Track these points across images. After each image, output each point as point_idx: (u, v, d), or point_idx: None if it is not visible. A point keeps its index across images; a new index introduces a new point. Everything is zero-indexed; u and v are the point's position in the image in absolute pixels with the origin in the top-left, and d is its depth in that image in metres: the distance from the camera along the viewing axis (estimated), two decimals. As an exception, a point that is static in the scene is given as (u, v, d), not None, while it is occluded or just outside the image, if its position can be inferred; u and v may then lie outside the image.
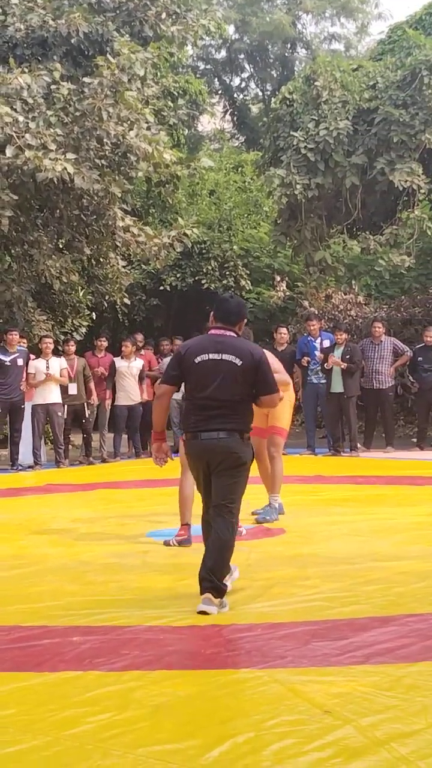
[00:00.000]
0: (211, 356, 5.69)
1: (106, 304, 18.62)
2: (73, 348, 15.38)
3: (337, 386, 14.82)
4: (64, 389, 14.89)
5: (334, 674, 4.30)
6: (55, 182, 14.08)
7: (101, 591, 6.10)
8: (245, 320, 6.08)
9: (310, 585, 6.10)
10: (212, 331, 5.87)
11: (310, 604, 5.58)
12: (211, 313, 5.98)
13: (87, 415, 15.26)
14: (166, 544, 7.57)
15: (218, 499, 5.66)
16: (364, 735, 3.58)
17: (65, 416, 14.95)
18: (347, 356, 14.71)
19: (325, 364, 14.84)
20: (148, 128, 15.68)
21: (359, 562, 6.79)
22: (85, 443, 15.46)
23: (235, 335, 5.84)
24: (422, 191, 16.75)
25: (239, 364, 5.65)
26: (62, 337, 16.82)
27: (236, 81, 38.35)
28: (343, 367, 14.65)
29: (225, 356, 5.67)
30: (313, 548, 7.44)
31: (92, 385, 15.30)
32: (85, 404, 15.22)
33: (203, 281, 21.10)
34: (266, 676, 4.28)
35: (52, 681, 4.33)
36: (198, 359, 5.71)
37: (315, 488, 10.97)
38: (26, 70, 14.66)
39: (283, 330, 15.75)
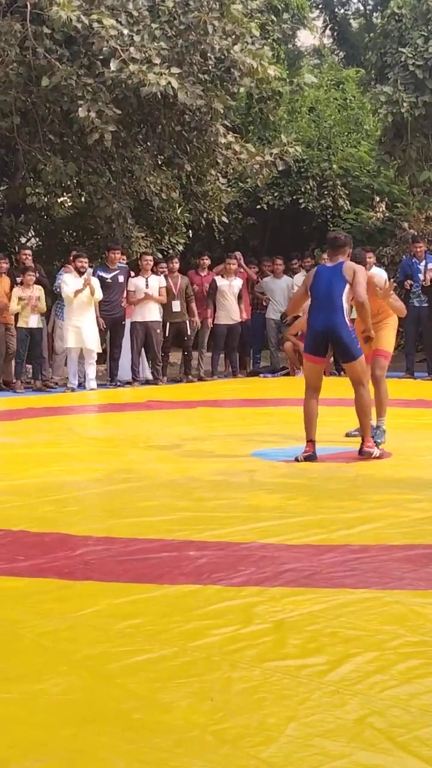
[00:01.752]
0: None
1: (203, 222, 18.53)
2: (176, 265, 15.35)
3: (440, 309, 14.63)
4: (167, 306, 14.92)
5: (454, 597, 4.29)
6: (159, 97, 13.96)
7: (212, 507, 6.15)
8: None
9: (421, 508, 6.06)
10: None
11: (424, 527, 5.55)
12: None
13: (189, 333, 15.28)
14: (296, 460, 7.71)
15: None
16: None
17: (167, 334, 15.00)
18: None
19: (424, 282, 14.62)
20: (253, 43, 15.44)
21: (470, 486, 6.73)
22: (185, 361, 15.51)
23: None
24: None
25: None
26: (159, 255, 16.79)
27: (338, -6, 37.46)
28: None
29: None
30: (422, 472, 7.39)
31: (194, 305, 15.30)
32: (188, 322, 15.24)
33: (301, 200, 20.86)
34: (386, 597, 4.28)
35: (174, 593, 4.39)
36: None
37: (418, 412, 10.89)
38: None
39: (370, 254, 15.49)
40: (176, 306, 15.03)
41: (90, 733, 2.99)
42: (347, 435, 8.89)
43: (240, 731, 2.99)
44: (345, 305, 7.69)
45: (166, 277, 15.09)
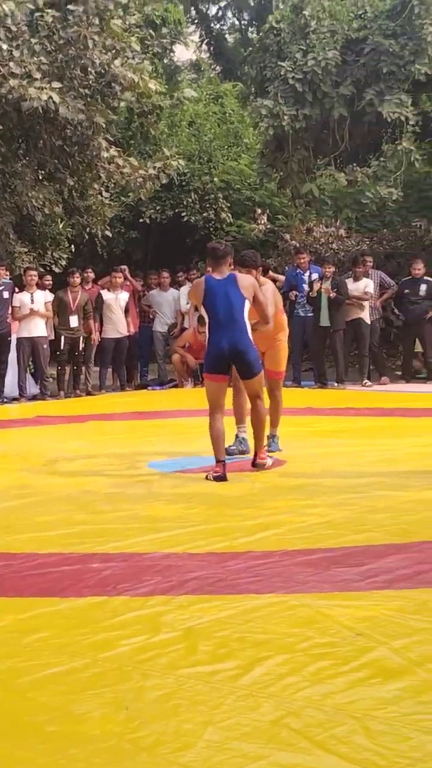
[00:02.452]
0: None
1: (86, 237, 18.45)
2: (77, 280, 15.22)
3: (325, 320, 14.83)
4: (64, 320, 14.81)
5: (358, 599, 4.34)
6: (40, 111, 13.87)
7: (111, 519, 6.12)
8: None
9: (318, 513, 6.12)
10: None
11: (323, 532, 5.61)
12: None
13: (81, 348, 15.18)
14: (206, 479, 7.46)
15: None
16: (399, 656, 3.61)
17: (62, 347, 14.88)
18: (335, 289, 14.71)
19: (310, 292, 14.83)
20: (133, 57, 15.47)
21: (365, 491, 6.81)
22: (75, 375, 15.38)
23: None
24: (410, 123, 16.62)
25: None
26: (41, 270, 16.66)
27: (213, 10, 37.79)
28: (331, 295, 14.64)
29: None
30: (316, 478, 7.47)
31: (92, 321, 15.21)
32: (81, 338, 15.13)
33: (183, 214, 21.00)
34: (292, 600, 4.32)
35: (80, 606, 4.35)
36: None
37: (308, 420, 11.01)
38: (9, -3, 14.38)
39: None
40: (74, 321, 14.91)
41: (5, 747, 2.95)
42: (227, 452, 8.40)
43: (157, 738, 2.98)
44: (247, 323, 7.58)
45: (67, 291, 14.98)
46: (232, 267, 7.91)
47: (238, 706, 3.20)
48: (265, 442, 8.07)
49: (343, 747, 2.88)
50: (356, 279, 15.18)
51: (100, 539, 5.54)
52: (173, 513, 6.30)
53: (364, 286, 15.13)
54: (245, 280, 7.65)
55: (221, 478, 7.43)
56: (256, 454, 7.89)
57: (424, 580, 4.60)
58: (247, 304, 7.58)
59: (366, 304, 15.14)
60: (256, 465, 7.82)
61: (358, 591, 4.46)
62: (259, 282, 8.02)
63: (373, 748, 2.88)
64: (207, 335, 7.70)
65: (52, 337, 15.04)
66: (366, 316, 15.17)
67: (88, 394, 15.20)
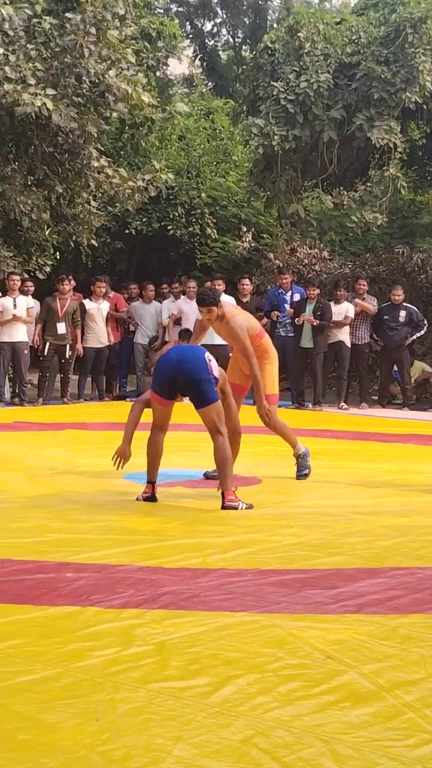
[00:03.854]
0: None
1: (72, 245, 18.45)
2: (67, 287, 15.20)
3: (306, 341, 14.89)
4: (52, 327, 14.80)
5: (330, 621, 4.37)
6: (33, 117, 13.90)
7: (87, 529, 6.13)
8: None
9: (293, 533, 6.17)
10: None
11: (296, 553, 5.65)
12: None
13: (67, 356, 15.16)
14: (137, 499, 7.21)
15: None
16: (368, 681, 3.65)
17: (46, 353, 14.86)
18: (318, 312, 14.77)
19: (296, 320, 14.88)
20: (128, 68, 15.52)
21: (339, 513, 6.86)
22: (63, 383, 15.34)
23: None
24: (398, 150, 16.75)
25: None
26: (24, 275, 16.65)
27: (208, 26, 37.95)
28: (315, 324, 14.70)
29: None
30: (291, 498, 7.53)
31: (78, 330, 15.21)
32: (68, 345, 15.12)
33: (169, 227, 21.04)
34: (264, 620, 4.35)
35: (53, 615, 4.37)
36: None
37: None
38: (8, 1, 14.43)
39: (246, 281, 15.80)
40: (61, 328, 14.87)
41: (-24, 755, 2.97)
42: (205, 476, 8.40)
43: (127, 751, 3.00)
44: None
45: (56, 297, 14.99)
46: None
47: (209, 723, 3.23)
48: (231, 487, 7.18)
49: (311, 770, 2.91)
50: (337, 302, 15.24)
51: (75, 549, 5.56)
52: (148, 526, 6.32)
53: (345, 309, 15.19)
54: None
55: (149, 498, 7.12)
56: (223, 497, 7.07)
57: (394, 606, 4.64)
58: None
59: (345, 329, 15.20)
60: (224, 508, 6.98)
61: (329, 614, 4.50)
62: (226, 315, 7.83)
63: (341, 772, 2.91)
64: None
65: (32, 344, 15.03)
66: (347, 338, 15.23)
67: (64, 403, 15.17)
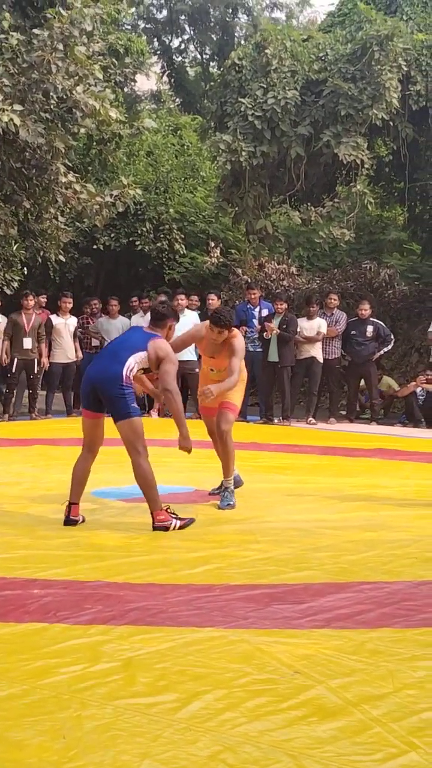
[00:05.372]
0: None
1: (39, 260, 18.42)
2: (31, 303, 15.16)
3: (274, 356, 14.91)
4: (17, 342, 14.74)
5: (297, 636, 4.38)
6: (0, 133, 13.88)
7: (55, 545, 6.11)
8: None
9: (261, 549, 6.17)
10: None
11: (264, 568, 5.65)
12: None
13: (35, 372, 15.10)
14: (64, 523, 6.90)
15: None
16: (336, 695, 3.65)
17: (15, 370, 14.79)
18: (284, 326, 14.81)
19: (264, 334, 14.90)
20: (95, 84, 15.53)
21: (306, 528, 6.87)
22: (30, 399, 15.28)
23: None
24: (365, 166, 16.84)
25: None
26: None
27: (175, 42, 38.12)
28: (276, 332, 14.72)
29: None
30: (259, 513, 7.52)
31: (44, 345, 15.17)
32: (35, 360, 15.06)
33: (137, 243, 21.08)
34: (232, 635, 4.34)
35: (20, 631, 4.35)
36: None
37: (252, 455, 11.05)
38: (-26, 18, 14.42)
39: (213, 296, 15.81)
40: (27, 343, 14.82)
41: None
42: (210, 494, 8.41)
43: (94, 768, 2.99)
44: (131, 361, 6.83)
45: (21, 313, 14.93)
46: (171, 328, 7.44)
47: (176, 739, 3.22)
48: (162, 505, 6.88)
49: (279, 784, 2.92)
50: (310, 318, 15.28)
51: (42, 565, 5.54)
52: (116, 542, 6.31)
53: (318, 325, 15.23)
54: (157, 347, 6.95)
55: (68, 521, 6.85)
56: (153, 518, 6.79)
57: (362, 621, 4.65)
58: (143, 356, 6.89)
59: (317, 344, 15.23)
60: (156, 529, 6.72)
61: (297, 629, 4.50)
62: (230, 336, 7.93)
63: (308, 786, 2.91)
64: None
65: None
66: (319, 354, 15.27)
67: (32, 419, 15.11)
